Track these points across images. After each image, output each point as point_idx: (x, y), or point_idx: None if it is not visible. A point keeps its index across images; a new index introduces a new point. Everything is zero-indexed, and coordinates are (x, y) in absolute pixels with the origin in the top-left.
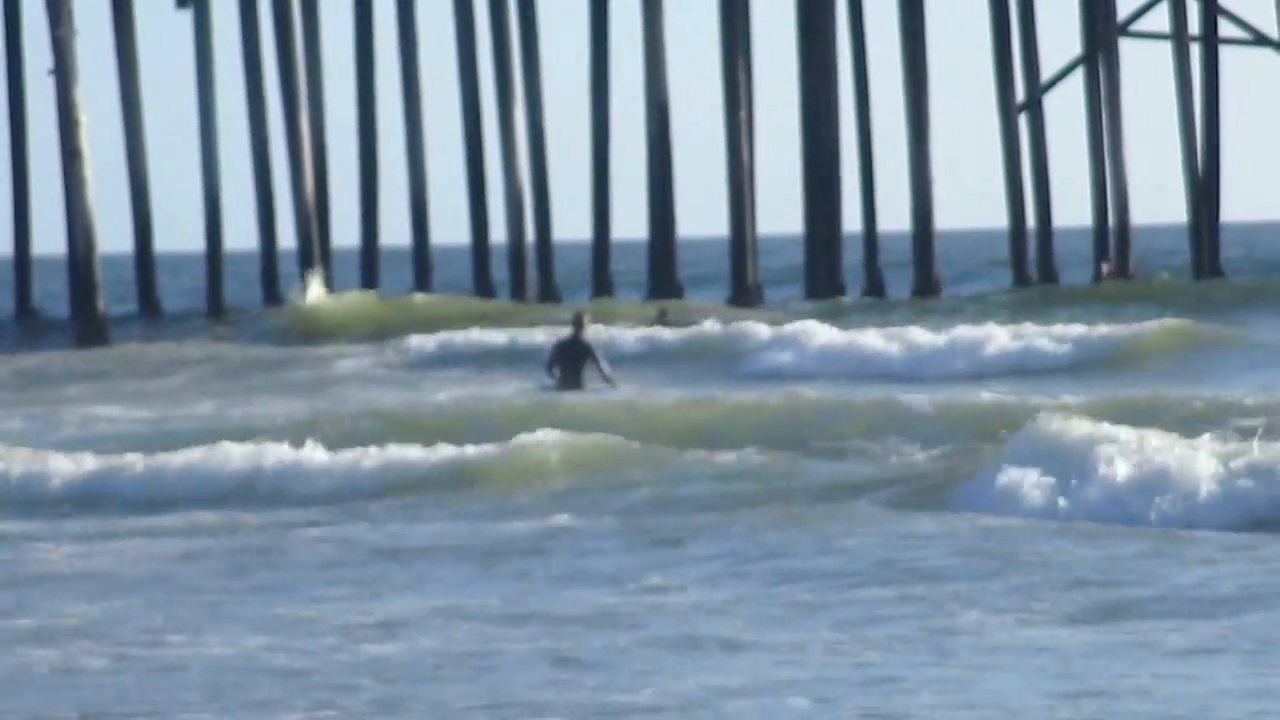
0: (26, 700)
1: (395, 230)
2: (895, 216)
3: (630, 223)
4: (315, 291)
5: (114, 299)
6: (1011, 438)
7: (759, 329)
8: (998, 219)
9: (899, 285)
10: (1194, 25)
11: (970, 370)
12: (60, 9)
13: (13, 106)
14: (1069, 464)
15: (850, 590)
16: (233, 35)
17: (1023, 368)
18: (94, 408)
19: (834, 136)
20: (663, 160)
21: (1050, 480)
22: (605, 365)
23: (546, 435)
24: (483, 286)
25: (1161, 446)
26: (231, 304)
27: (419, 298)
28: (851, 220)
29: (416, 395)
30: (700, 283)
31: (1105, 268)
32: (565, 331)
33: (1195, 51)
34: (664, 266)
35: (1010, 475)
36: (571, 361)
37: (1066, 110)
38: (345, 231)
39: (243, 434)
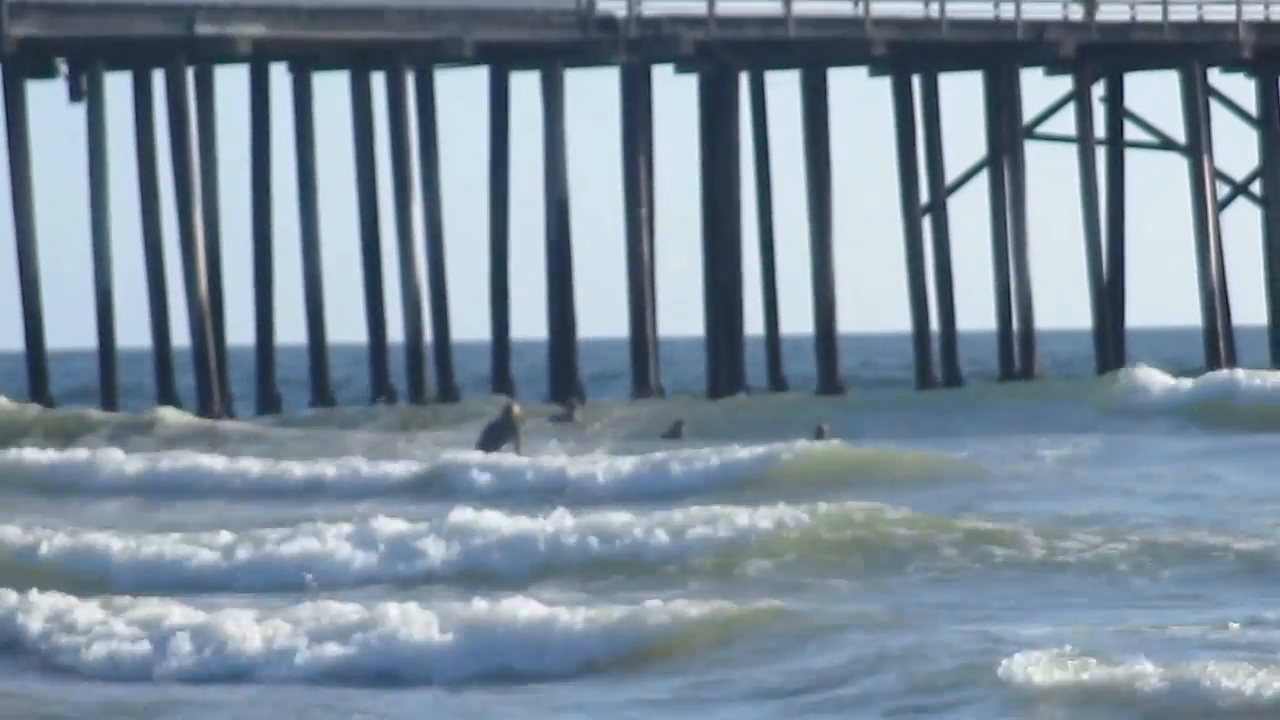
0: None
1: (290, 329)
2: (799, 319)
3: (530, 322)
4: None
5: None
6: None
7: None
8: (901, 322)
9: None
10: (1100, 128)
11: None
12: None
13: None
14: None
15: None
16: (126, 129)
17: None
18: None
19: (736, 236)
20: (562, 258)
21: None
22: (524, 448)
23: None
24: (380, 388)
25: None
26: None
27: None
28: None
29: None
30: (603, 383)
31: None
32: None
33: (1101, 155)
34: (564, 367)
35: None
36: (496, 444)
37: (971, 213)
38: (240, 330)
39: None
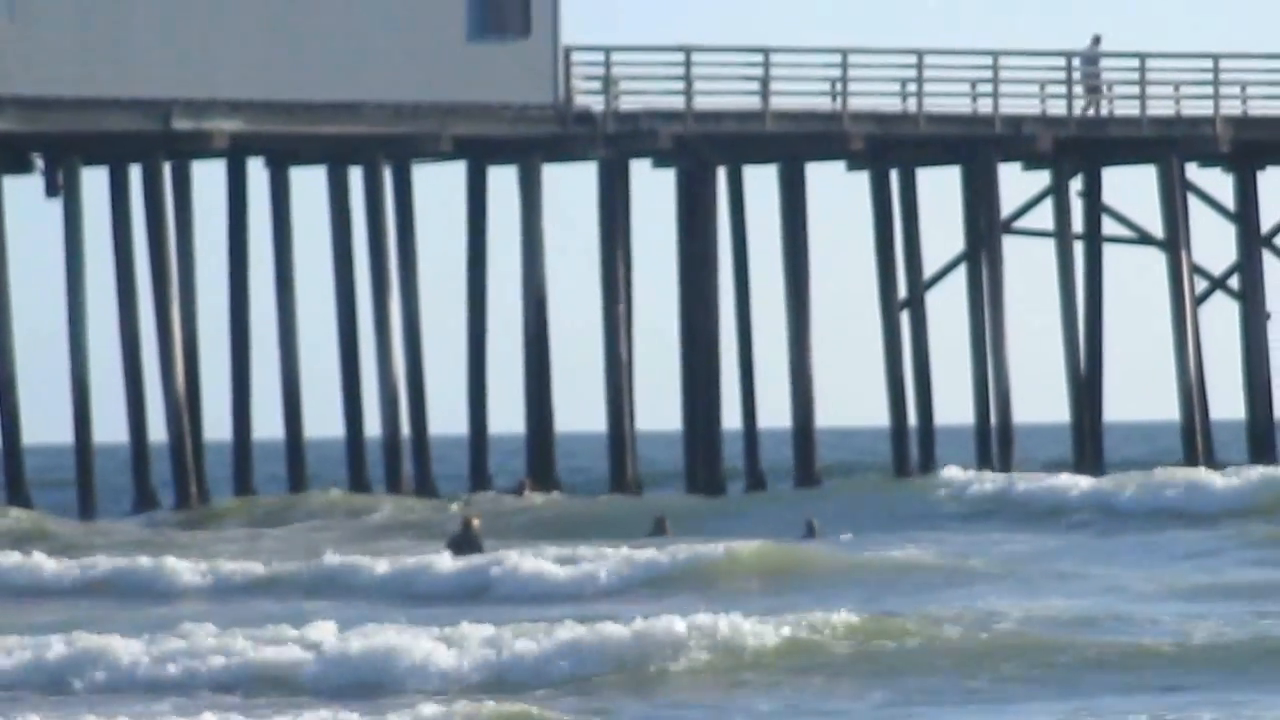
0: None
1: (268, 424)
2: (777, 414)
3: (508, 417)
4: None
5: None
6: None
7: None
8: (879, 417)
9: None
10: (1078, 223)
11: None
12: None
13: None
14: None
15: None
16: (103, 224)
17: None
18: None
19: (714, 330)
20: (540, 352)
21: None
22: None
23: None
24: (357, 482)
25: None
26: None
27: None
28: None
29: None
30: (581, 478)
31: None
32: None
33: (1079, 249)
34: (542, 461)
35: None
36: (461, 555)
37: (949, 307)
38: (217, 425)
39: None
